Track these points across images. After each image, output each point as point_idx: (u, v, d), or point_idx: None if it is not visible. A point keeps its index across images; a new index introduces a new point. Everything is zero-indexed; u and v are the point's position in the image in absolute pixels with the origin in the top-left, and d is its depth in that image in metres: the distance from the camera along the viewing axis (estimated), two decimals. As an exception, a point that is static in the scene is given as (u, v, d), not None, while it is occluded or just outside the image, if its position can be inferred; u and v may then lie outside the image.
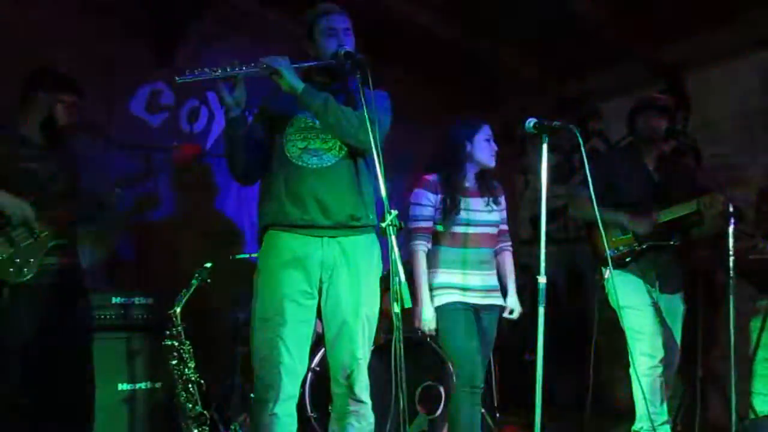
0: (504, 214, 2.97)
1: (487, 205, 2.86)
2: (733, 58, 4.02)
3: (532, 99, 4.94)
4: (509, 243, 3.02)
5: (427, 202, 2.79)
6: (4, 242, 2.45)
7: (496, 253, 2.96)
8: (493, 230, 2.89)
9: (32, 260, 2.49)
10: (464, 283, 2.76)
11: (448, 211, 2.75)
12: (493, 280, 2.87)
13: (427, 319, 2.72)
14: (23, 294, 2.49)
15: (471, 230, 2.80)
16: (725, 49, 4.02)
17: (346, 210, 2.13)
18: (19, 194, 2.51)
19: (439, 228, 2.78)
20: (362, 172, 2.19)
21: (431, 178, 2.83)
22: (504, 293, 2.91)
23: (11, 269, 2.44)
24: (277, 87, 2.12)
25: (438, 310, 2.76)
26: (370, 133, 1.97)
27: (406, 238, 2.84)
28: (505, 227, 2.98)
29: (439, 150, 2.93)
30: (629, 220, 3.07)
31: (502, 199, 2.96)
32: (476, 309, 2.78)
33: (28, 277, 2.48)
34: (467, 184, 2.87)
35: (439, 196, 2.79)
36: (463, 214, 2.77)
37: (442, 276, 2.77)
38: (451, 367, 2.85)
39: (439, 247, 2.80)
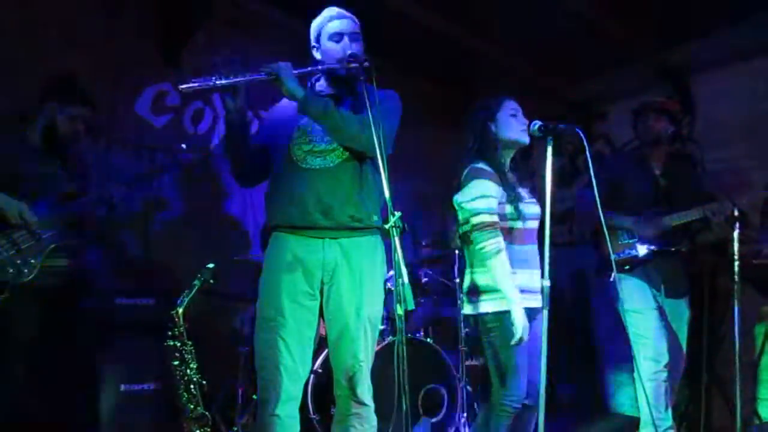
0: None
1: (530, 197, 2.51)
2: (739, 62, 4.01)
3: (537, 102, 4.94)
4: None
5: (492, 192, 2.38)
6: (5, 243, 2.46)
7: None
8: (537, 225, 2.51)
9: (33, 261, 2.49)
10: (527, 285, 2.40)
11: (514, 201, 2.39)
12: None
13: (519, 323, 2.29)
14: (26, 295, 2.50)
15: (522, 225, 2.45)
16: (731, 53, 4.01)
17: (348, 211, 2.13)
18: (22, 195, 2.53)
19: (514, 225, 2.40)
20: (367, 173, 2.19)
21: (483, 166, 2.43)
22: None
23: (11, 270, 2.45)
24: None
25: (497, 316, 2.38)
26: (372, 136, 1.95)
27: (467, 238, 2.48)
28: None
29: (467, 142, 2.56)
30: (635, 224, 3.07)
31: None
32: (531, 314, 2.39)
33: (29, 278, 2.48)
34: (509, 173, 2.50)
35: (500, 187, 2.41)
36: (522, 207, 2.42)
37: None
38: (494, 379, 2.44)
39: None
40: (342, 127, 2.09)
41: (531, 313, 2.38)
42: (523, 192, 2.50)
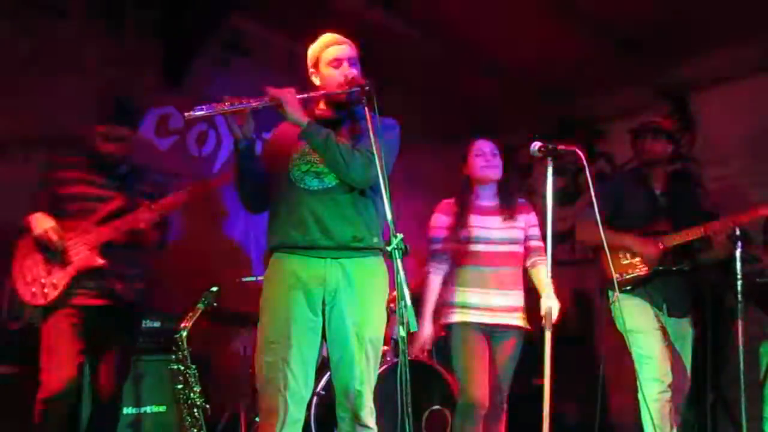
0: (533, 230, 2.93)
1: (504, 221, 2.84)
2: (739, 80, 4.04)
3: (537, 122, 4.98)
4: (543, 257, 2.89)
5: (439, 224, 2.86)
6: (37, 265, 2.50)
7: (528, 270, 2.93)
8: (514, 248, 2.86)
9: (57, 283, 2.51)
10: (479, 302, 2.75)
11: (455, 229, 2.80)
12: (513, 301, 2.82)
13: (421, 340, 2.86)
14: (57, 316, 2.52)
15: (483, 248, 2.79)
16: (731, 71, 4.05)
17: (348, 231, 2.14)
18: (72, 217, 2.60)
19: (467, 248, 2.80)
20: (366, 193, 2.20)
21: (448, 201, 2.91)
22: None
23: (35, 291, 2.48)
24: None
25: (448, 327, 2.79)
26: (368, 171, 2.04)
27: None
28: (535, 243, 2.93)
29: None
30: (635, 244, 3.07)
31: (524, 217, 2.93)
32: (491, 329, 2.77)
33: (49, 300, 2.50)
34: (482, 203, 2.88)
35: (452, 217, 2.85)
36: (474, 232, 2.78)
37: (457, 294, 2.79)
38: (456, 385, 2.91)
39: (455, 267, 2.83)
40: (339, 161, 2.10)
41: (487, 329, 2.76)
42: (493, 220, 2.82)
